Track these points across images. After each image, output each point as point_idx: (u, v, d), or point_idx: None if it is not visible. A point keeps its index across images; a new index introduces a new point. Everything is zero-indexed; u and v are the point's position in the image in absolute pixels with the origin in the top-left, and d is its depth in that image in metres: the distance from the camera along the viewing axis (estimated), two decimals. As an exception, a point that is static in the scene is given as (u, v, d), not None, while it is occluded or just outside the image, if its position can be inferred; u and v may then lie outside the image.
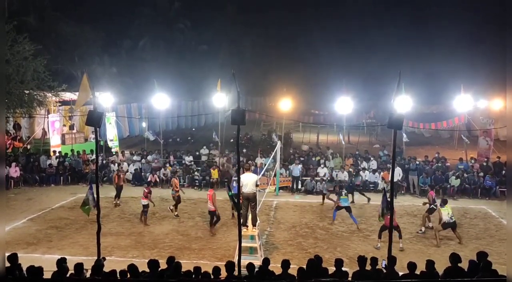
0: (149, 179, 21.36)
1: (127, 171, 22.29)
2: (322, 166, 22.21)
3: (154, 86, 24.47)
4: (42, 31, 31.09)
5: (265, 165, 20.79)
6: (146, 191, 16.40)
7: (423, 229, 15.47)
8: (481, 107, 29.37)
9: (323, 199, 18.61)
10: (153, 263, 8.40)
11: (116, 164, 21.82)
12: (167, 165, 22.70)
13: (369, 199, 18.69)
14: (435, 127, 29.29)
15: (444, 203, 14.47)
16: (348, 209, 15.97)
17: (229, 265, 8.28)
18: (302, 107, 37.35)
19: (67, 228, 15.60)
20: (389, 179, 16.68)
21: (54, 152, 23.89)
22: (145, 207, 16.15)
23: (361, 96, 32.77)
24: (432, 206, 15.51)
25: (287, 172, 21.59)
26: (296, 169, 21.29)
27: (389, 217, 12.82)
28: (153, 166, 22.62)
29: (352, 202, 17.85)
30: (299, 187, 21.15)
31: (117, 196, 18.48)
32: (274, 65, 46.16)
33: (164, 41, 47.35)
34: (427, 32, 47.45)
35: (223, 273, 8.27)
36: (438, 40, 46.52)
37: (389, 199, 9.73)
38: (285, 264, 8.36)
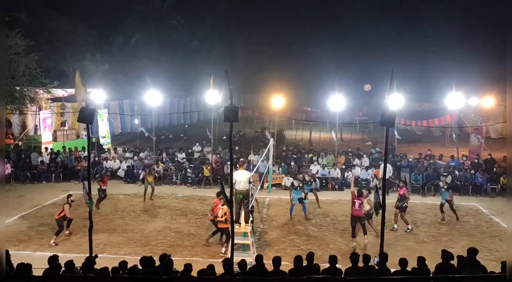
0: (141, 176, 21.30)
1: (119, 168, 22.22)
2: (315, 163, 22.24)
3: (147, 83, 24.38)
4: (34, 28, 30.79)
5: (258, 161, 20.79)
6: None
7: (395, 226, 15.37)
8: (472, 105, 29.54)
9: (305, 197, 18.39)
10: (146, 260, 8.39)
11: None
12: (160, 162, 22.66)
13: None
14: (427, 125, 29.43)
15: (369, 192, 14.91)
16: (300, 200, 16.39)
17: (227, 262, 8.29)
18: (295, 104, 37.31)
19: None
20: (381, 176, 16.84)
21: (46, 148, 23.75)
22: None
23: (353, 93, 32.83)
24: (405, 203, 15.27)
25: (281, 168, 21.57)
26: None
27: (356, 209, 13.69)
28: (145, 163, 22.57)
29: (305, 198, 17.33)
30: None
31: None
32: (267, 62, 46.05)
33: (157, 38, 47.16)
34: (419, 30, 47.61)
35: (217, 270, 8.28)
36: (430, 38, 46.69)
37: (381, 196, 9.75)
38: (277, 260, 8.37)
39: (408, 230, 15.27)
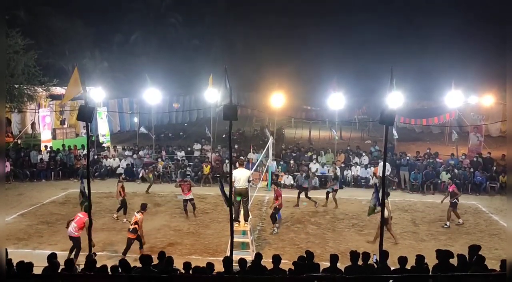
0: (140, 174, 21.33)
1: (118, 166, 22.24)
2: (314, 161, 22.23)
3: (146, 81, 24.35)
4: (33, 26, 30.74)
5: (257, 160, 20.79)
6: (186, 185, 16.34)
7: (448, 223, 15.71)
8: (471, 103, 29.53)
9: (327, 197, 18.04)
10: (144, 258, 8.38)
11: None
12: (159, 160, 22.65)
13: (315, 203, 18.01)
14: (426, 123, 29.40)
15: (388, 195, 13.84)
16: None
17: (226, 260, 8.29)
18: (294, 102, 37.35)
19: (58, 223, 15.49)
20: (379, 174, 16.82)
21: (45, 147, 23.72)
22: (191, 200, 16.36)
23: (353, 92, 32.80)
24: (455, 199, 15.72)
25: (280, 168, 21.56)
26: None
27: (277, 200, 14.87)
28: (144, 161, 22.55)
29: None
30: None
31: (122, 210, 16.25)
32: (267, 61, 46.00)
33: (156, 36, 47.09)
34: (418, 28, 47.59)
35: (217, 269, 8.27)
36: (430, 36, 46.68)
37: (380, 194, 9.75)
38: (276, 259, 8.37)
39: (459, 223, 15.74)
